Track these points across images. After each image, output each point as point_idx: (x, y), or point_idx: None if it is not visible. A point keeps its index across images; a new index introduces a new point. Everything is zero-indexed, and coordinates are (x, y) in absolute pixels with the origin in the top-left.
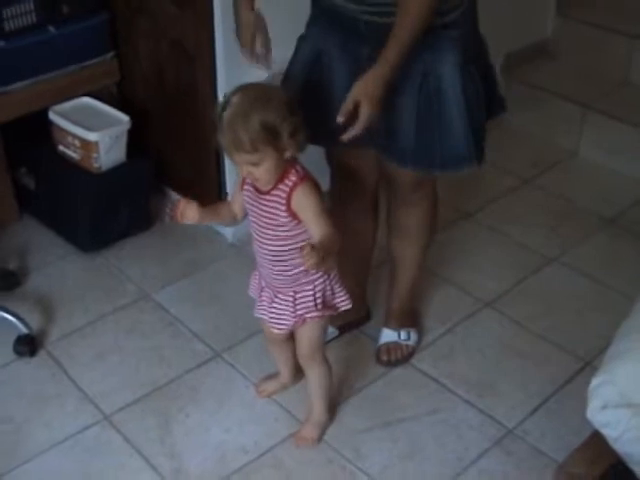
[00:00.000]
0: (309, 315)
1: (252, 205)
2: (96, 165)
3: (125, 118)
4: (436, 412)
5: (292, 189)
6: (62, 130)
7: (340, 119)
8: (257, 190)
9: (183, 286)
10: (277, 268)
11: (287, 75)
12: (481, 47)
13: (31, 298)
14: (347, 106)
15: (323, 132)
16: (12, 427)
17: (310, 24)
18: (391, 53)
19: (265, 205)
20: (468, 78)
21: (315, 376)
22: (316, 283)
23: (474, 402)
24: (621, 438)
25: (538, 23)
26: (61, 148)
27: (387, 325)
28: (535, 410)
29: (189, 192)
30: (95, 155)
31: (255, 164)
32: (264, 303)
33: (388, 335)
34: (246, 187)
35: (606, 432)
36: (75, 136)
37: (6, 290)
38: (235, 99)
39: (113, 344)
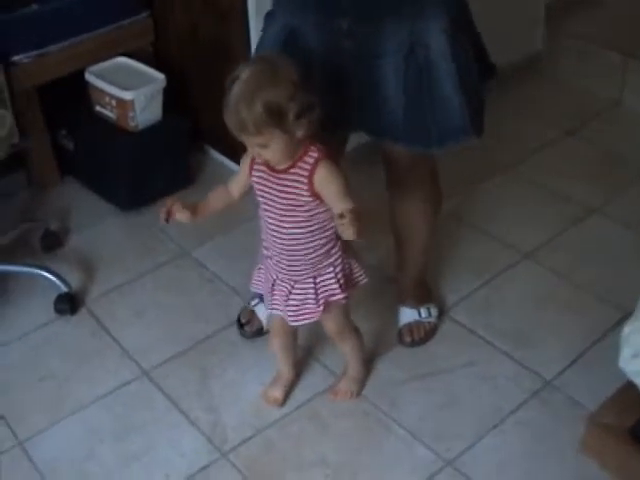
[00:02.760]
0: (334, 298)
1: (266, 187)
2: (132, 124)
3: (160, 76)
4: (472, 364)
5: (314, 167)
6: (98, 90)
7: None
8: (272, 169)
9: (220, 243)
10: (295, 254)
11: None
12: (466, 14)
13: (72, 258)
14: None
15: None
16: (54, 383)
17: (277, 0)
18: None
19: (283, 185)
20: (457, 46)
21: (348, 347)
22: (335, 264)
23: (511, 353)
24: None
25: None
26: (98, 108)
27: (405, 304)
28: (573, 362)
29: (227, 150)
30: (131, 114)
31: (263, 146)
32: (277, 298)
33: (408, 314)
34: (256, 167)
35: (638, 381)
36: (111, 96)
37: (48, 250)
38: (243, 75)
39: (152, 301)
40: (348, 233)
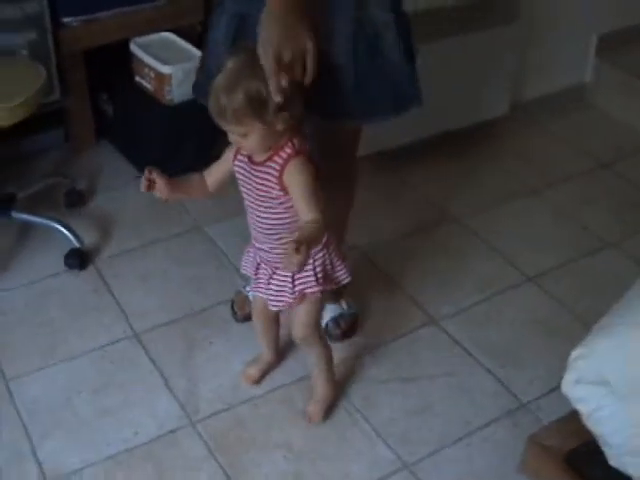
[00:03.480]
0: (309, 290)
1: (245, 176)
2: (168, 97)
3: (199, 54)
4: (453, 375)
5: (285, 162)
6: (140, 61)
7: (279, 99)
8: (251, 160)
9: (235, 223)
10: (273, 242)
11: (208, 52)
12: None
13: (91, 217)
14: (268, 66)
15: None
16: (50, 331)
17: None
18: None
19: (258, 177)
20: (401, 19)
21: (314, 356)
22: (316, 257)
23: (494, 371)
24: (592, 416)
25: (634, 5)
26: (138, 78)
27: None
28: (553, 389)
29: None
30: (167, 88)
31: (242, 134)
32: (261, 281)
33: (331, 309)
34: (239, 157)
35: (579, 407)
36: (150, 68)
37: (70, 207)
38: (228, 64)
39: (158, 268)
40: (287, 265)
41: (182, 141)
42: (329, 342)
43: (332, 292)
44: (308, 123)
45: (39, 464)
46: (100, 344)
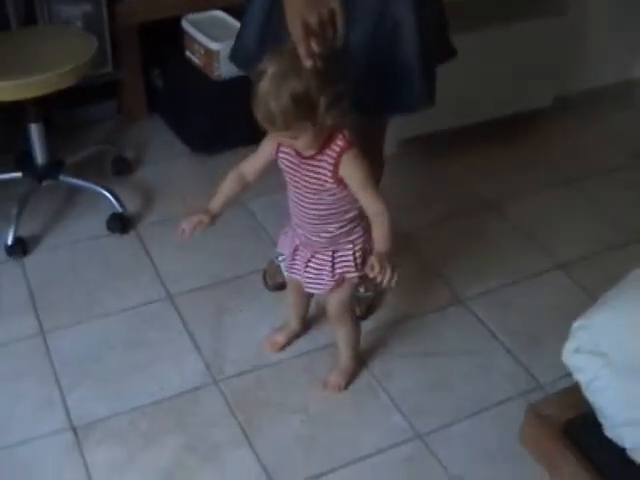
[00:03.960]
0: (349, 275)
1: (292, 169)
2: (216, 73)
3: None
4: (473, 353)
5: (340, 154)
6: (190, 37)
7: (309, 65)
8: (299, 154)
9: (275, 199)
10: (317, 230)
11: (246, 20)
12: None
13: (136, 185)
14: (296, 36)
15: None
16: (88, 289)
17: None
18: None
19: (309, 170)
20: (423, 19)
21: (343, 334)
22: (356, 242)
23: (515, 352)
24: (590, 386)
25: None
26: (188, 54)
27: None
28: (571, 373)
29: None
30: (216, 64)
31: (293, 137)
32: (297, 263)
33: None
34: (283, 150)
35: (578, 377)
36: (200, 44)
37: (116, 174)
38: (270, 68)
39: (197, 237)
40: (385, 282)
41: (228, 117)
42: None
43: None
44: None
45: (67, 411)
46: (134, 304)
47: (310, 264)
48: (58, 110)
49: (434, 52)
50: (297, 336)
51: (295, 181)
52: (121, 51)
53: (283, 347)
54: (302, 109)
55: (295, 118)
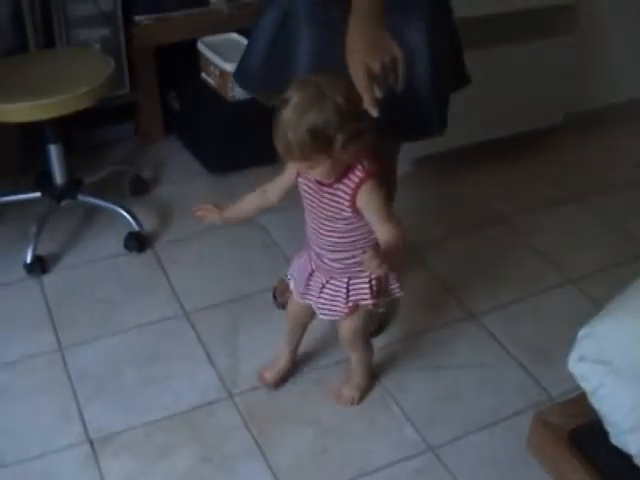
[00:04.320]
0: (364, 302)
1: (311, 195)
2: (230, 94)
3: None
4: (485, 367)
5: (358, 186)
6: (206, 59)
7: (375, 113)
8: (319, 182)
9: (289, 215)
10: (333, 256)
11: (252, 41)
12: (449, 18)
13: (153, 205)
14: (360, 84)
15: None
16: (105, 307)
17: None
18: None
19: (327, 198)
20: (435, 46)
21: (356, 358)
22: None
23: (526, 365)
24: (595, 394)
25: None
26: (203, 75)
27: None
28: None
29: None
30: (230, 85)
31: (311, 167)
32: (312, 289)
33: None
34: (304, 175)
35: (583, 385)
36: (215, 65)
37: (134, 194)
38: (293, 98)
39: (213, 254)
40: (368, 268)
41: (242, 137)
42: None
43: None
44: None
45: (84, 424)
46: (151, 320)
47: (325, 289)
48: (77, 131)
49: (447, 79)
50: (287, 373)
51: (313, 207)
52: (138, 73)
53: (278, 385)
54: (319, 143)
55: (312, 150)
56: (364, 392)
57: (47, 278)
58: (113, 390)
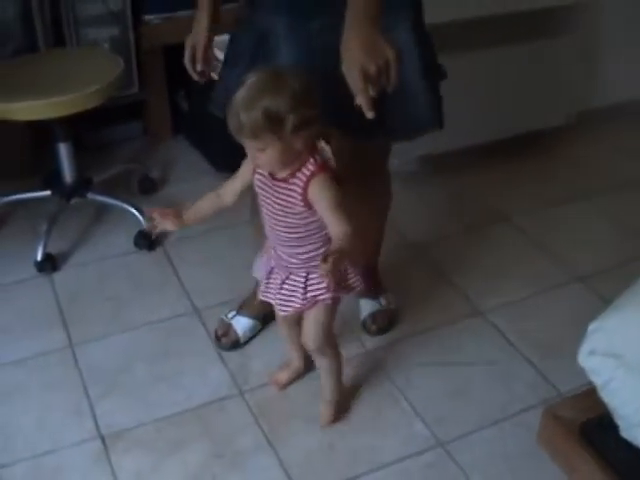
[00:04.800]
0: (321, 297)
1: (265, 190)
2: None
3: None
4: (494, 363)
5: (309, 179)
6: (215, 58)
7: (371, 115)
8: (273, 176)
9: None
10: (290, 251)
11: (228, 67)
12: (423, 11)
13: (162, 203)
14: (356, 85)
15: None
16: (116, 304)
17: (249, 6)
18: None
19: (280, 192)
20: (423, 43)
21: (324, 365)
22: None
23: (535, 362)
24: (605, 387)
25: None
26: (213, 75)
27: (363, 296)
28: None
29: None
30: None
31: (259, 149)
32: (271, 285)
33: (370, 305)
34: (259, 170)
35: (593, 379)
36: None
37: (143, 193)
38: (248, 82)
39: (221, 253)
40: (324, 274)
41: None
42: (336, 347)
43: (372, 288)
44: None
45: (95, 420)
46: (161, 318)
47: (284, 285)
48: (86, 130)
49: (436, 72)
50: (300, 375)
51: (268, 203)
52: (147, 72)
53: (286, 386)
54: (270, 123)
55: (262, 129)
56: (339, 407)
57: (57, 276)
58: (124, 386)
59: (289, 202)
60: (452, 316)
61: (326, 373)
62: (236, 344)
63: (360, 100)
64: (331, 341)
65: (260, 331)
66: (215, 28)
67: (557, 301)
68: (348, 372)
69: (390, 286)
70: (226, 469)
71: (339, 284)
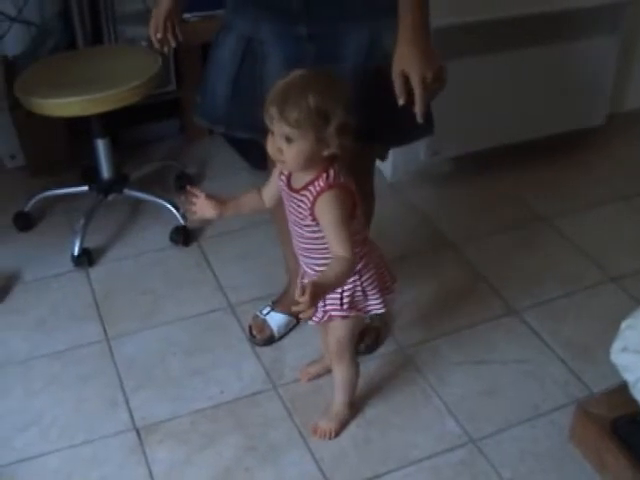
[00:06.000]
0: (334, 313)
1: (285, 199)
2: None
3: None
4: (526, 362)
5: (318, 194)
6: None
7: (401, 101)
8: (289, 186)
9: None
10: (306, 260)
11: (214, 71)
12: None
13: None
14: (398, 84)
15: (259, 125)
16: (151, 298)
17: (232, 11)
18: (409, 15)
19: (295, 203)
20: None
21: (340, 372)
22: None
23: (567, 361)
24: (637, 384)
25: None
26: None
27: None
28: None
29: None
30: None
31: (289, 140)
32: None
33: None
34: (282, 178)
35: (626, 376)
36: None
37: (179, 189)
38: (296, 73)
39: (257, 249)
40: (295, 310)
41: None
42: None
43: None
44: None
45: (130, 412)
46: (196, 312)
47: None
48: (123, 128)
49: None
50: (329, 371)
51: (287, 210)
52: (184, 70)
53: (312, 378)
54: (317, 117)
55: (306, 121)
56: (342, 424)
57: (94, 270)
58: (159, 380)
59: (300, 213)
60: (486, 315)
61: (339, 384)
62: (270, 340)
63: (417, 105)
64: (349, 351)
65: (295, 327)
66: (176, 9)
67: (591, 301)
68: (381, 370)
69: (425, 284)
70: (259, 462)
71: (354, 304)
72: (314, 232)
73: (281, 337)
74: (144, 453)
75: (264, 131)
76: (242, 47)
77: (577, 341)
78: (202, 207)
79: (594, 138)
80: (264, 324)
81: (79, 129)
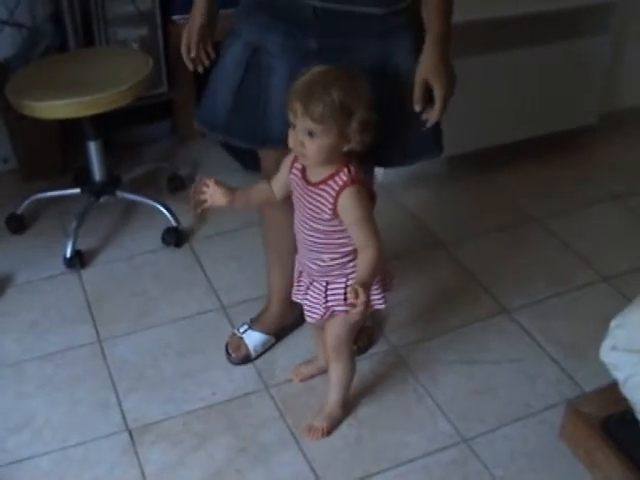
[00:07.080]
0: (338, 309)
1: (297, 192)
2: None
3: None
4: (518, 361)
5: (341, 189)
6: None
7: (418, 108)
8: (305, 179)
9: None
10: (313, 257)
11: (219, 77)
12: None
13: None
14: (418, 92)
15: (259, 135)
16: (143, 300)
17: (241, 18)
18: (437, 23)
19: (311, 197)
20: None
21: (337, 370)
22: (349, 277)
23: (559, 360)
24: (627, 382)
25: None
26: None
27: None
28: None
29: None
30: None
31: (312, 134)
32: (301, 288)
33: None
34: (294, 171)
35: (615, 374)
36: None
37: (171, 191)
38: (317, 69)
39: (248, 250)
40: (356, 308)
41: None
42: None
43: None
44: None
45: (123, 414)
46: (188, 314)
47: (309, 292)
48: (115, 129)
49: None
50: (322, 372)
51: (298, 204)
52: (175, 72)
53: (305, 379)
54: (341, 112)
55: (330, 116)
56: (335, 423)
57: (86, 272)
58: (151, 381)
59: (318, 208)
60: (478, 315)
61: (334, 382)
62: (246, 359)
63: (433, 117)
64: (348, 348)
65: (272, 346)
66: (210, 26)
67: (582, 301)
68: (373, 370)
69: (417, 284)
70: (251, 463)
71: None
72: (330, 227)
73: (258, 356)
74: (136, 454)
75: (263, 142)
76: (247, 56)
77: (568, 340)
78: (213, 195)
79: (585, 138)
80: (240, 342)
81: (71, 131)
